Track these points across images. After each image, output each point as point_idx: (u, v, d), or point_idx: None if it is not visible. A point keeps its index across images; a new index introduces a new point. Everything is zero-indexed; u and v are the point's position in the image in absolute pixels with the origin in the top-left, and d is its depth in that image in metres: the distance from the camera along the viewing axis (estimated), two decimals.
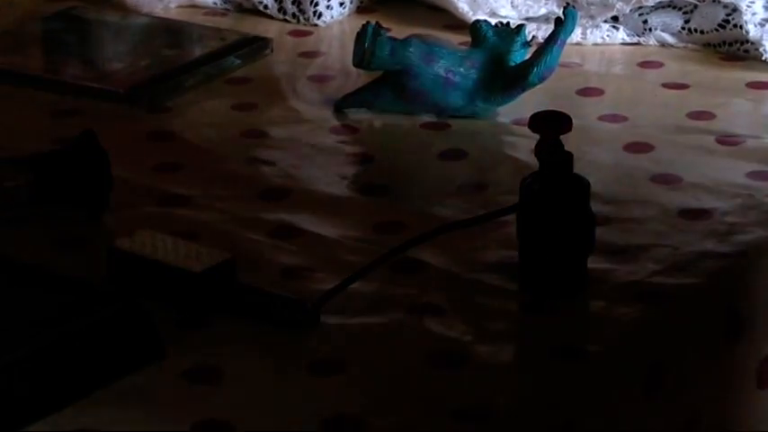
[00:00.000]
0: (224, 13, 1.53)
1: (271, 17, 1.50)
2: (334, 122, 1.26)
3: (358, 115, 1.25)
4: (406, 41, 1.26)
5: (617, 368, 0.94)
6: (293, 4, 1.47)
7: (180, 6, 1.54)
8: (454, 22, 1.40)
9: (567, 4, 1.29)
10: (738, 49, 1.33)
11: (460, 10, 1.38)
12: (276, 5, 1.48)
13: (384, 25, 1.29)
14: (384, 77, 1.26)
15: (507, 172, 1.05)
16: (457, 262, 1.02)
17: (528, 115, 1.02)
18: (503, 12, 1.36)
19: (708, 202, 1.10)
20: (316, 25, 1.47)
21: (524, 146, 1.14)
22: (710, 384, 1.00)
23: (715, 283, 1.02)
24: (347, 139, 1.22)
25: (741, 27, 1.32)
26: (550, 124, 0.98)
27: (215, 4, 1.54)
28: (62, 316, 0.92)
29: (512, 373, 0.92)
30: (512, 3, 1.37)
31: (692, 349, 0.98)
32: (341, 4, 1.46)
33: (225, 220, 1.08)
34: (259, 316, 0.96)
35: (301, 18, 1.47)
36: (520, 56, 1.26)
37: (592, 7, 1.34)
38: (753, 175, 1.13)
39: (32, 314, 0.92)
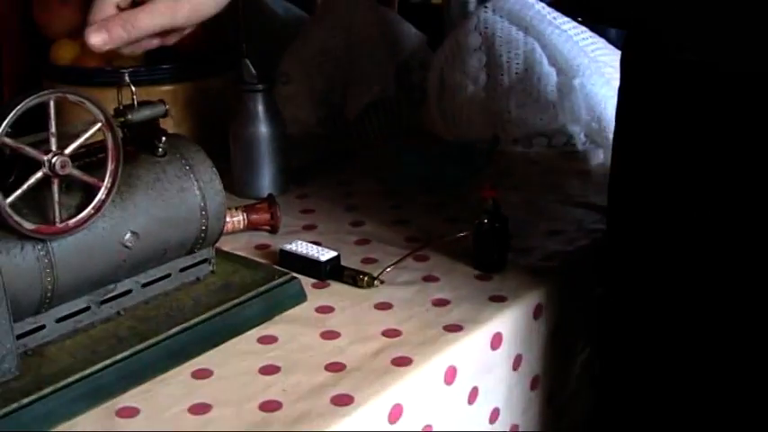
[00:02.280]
0: None
1: None
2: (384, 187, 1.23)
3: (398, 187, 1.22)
4: (421, 152, 1.26)
5: (520, 305, 0.92)
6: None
7: None
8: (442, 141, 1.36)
9: (495, 133, 1.28)
10: (574, 155, 1.32)
11: (444, 135, 1.38)
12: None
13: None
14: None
15: (471, 214, 1.02)
16: (445, 256, 1.02)
17: (479, 186, 1.03)
18: (465, 137, 1.35)
19: (561, 226, 1.10)
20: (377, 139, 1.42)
21: (478, 201, 1.12)
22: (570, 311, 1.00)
23: (565, 264, 1.01)
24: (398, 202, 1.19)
25: (575, 145, 1.31)
26: (489, 190, 0.98)
27: None
28: (251, 284, 0.91)
29: (471, 306, 0.91)
30: (468, 133, 1.36)
31: (558, 295, 0.97)
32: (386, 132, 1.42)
33: (334, 236, 1.07)
34: (350, 281, 0.95)
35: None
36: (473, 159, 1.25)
37: (505, 135, 1.32)
38: (582, 213, 1.13)
39: (242, 282, 0.92)
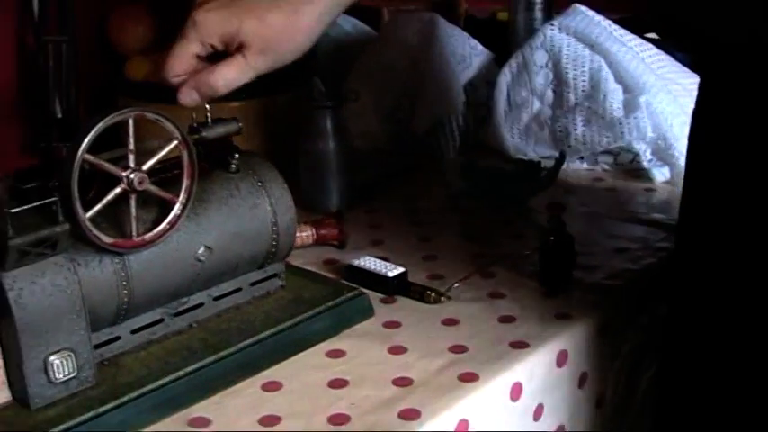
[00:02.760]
0: None
1: None
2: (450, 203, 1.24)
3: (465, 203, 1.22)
4: (488, 169, 1.26)
5: (586, 323, 0.93)
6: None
7: None
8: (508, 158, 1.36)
9: (561, 150, 1.28)
10: (640, 172, 1.32)
11: (510, 152, 1.37)
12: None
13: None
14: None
15: (536, 231, 1.04)
16: (511, 273, 1.02)
17: (545, 203, 1.03)
18: (531, 155, 1.35)
19: (626, 244, 1.10)
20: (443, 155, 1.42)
21: (544, 218, 1.13)
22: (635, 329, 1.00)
23: (630, 282, 1.02)
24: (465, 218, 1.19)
25: (640, 162, 1.30)
26: (556, 208, 0.98)
27: None
28: (320, 298, 0.93)
29: (537, 323, 0.91)
30: (534, 150, 1.36)
31: (625, 313, 0.97)
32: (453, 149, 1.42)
33: (401, 252, 1.08)
34: (417, 297, 0.96)
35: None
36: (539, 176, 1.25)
37: (571, 152, 1.32)
38: (647, 231, 1.12)
39: (311, 296, 0.93)
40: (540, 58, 1.37)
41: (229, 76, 0.86)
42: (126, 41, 1.41)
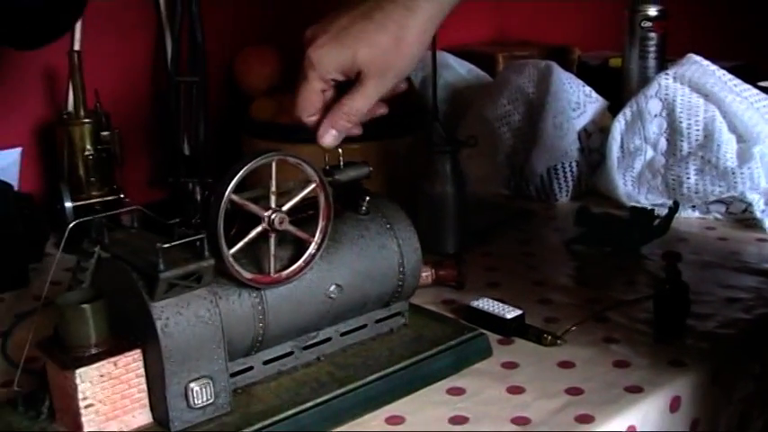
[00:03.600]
0: None
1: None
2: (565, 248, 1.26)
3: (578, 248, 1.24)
4: (601, 215, 1.29)
5: (698, 371, 0.95)
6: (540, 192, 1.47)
7: None
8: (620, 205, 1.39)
9: (675, 200, 1.29)
10: (752, 222, 1.33)
11: (623, 200, 1.39)
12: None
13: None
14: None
15: (649, 278, 1.06)
16: (625, 319, 1.05)
17: (657, 250, 1.05)
18: (643, 202, 1.37)
19: (739, 294, 1.11)
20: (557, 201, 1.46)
21: (656, 265, 1.15)
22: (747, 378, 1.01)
23: (742, 331, 1.03)
24: (578, 263, 1.22)
25: (753, 212, 1.32)
26: (672, 257, 1.00)
27: None
28: (441, 337, 0.96)
29: (650, 369, 0.94)
30: (646, 197, 1.38)
31: (737, 362, 0.99)
32: (566, 194, 1.46)
33: (516, 294, 1.11)
34: (534, 339, 0.99)
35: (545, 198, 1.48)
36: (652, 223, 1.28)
37: (683, 200, 1.34)
38: (760, 282, 1.14)
39: (433, 335, 0.97)
40: (655, 106, 1.39)
41: (357, 105, 0.90)
42: (252, 82, 1.47)
